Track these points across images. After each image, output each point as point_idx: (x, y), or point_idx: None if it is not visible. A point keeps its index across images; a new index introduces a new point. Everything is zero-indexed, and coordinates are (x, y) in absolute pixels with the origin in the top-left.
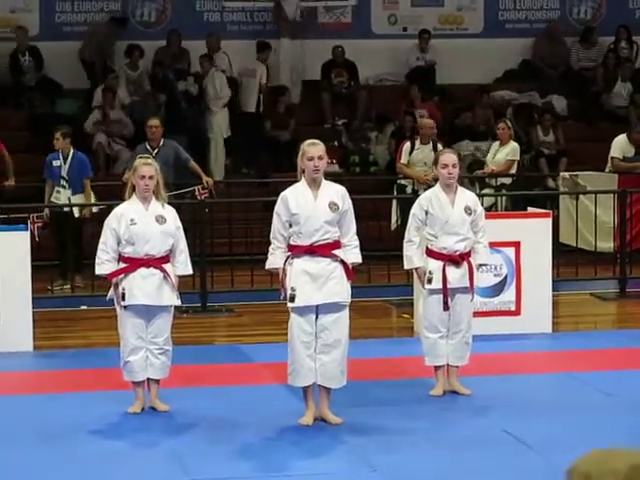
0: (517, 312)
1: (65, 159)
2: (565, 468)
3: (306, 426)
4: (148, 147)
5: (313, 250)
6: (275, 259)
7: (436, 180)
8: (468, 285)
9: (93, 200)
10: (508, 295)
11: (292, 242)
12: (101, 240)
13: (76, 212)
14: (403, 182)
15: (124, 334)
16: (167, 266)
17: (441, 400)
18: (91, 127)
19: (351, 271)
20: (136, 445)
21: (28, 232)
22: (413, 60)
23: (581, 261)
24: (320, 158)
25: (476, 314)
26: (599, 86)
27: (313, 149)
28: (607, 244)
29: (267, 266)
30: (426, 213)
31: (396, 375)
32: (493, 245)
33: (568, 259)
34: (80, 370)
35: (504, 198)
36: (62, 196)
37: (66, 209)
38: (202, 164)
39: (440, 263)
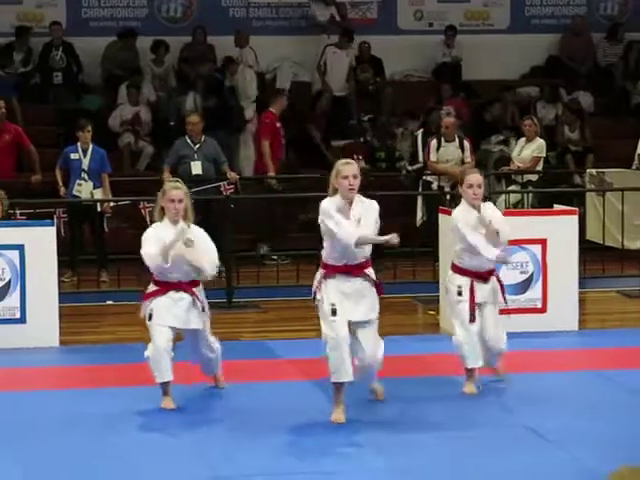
0: (543, 309)
1: (85, 153)
2: (590, 465)
3: (340, 424)
4: (189, 141)
5: (347, 270)
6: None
7: None
8: (498, 300)
9: (110, 194)
10: (534, 292)
11: (325, 261)
12: (145, 250)
13: (98, 206)
14: (429, 178)
15: (154, 339)
16: (197, 289)
17: (467, 397)
18: (115, 124)
19: (381, 288)
20: (161, 440)
21: (54, 227)
22: (439, 56)
23: (608, 258)
24: (355, 177)
25: (502, 311)
26: (622, 82)
27: (348, 168)
28: (634, 241)
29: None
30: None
31: (422, 372)
32: (519, 242)
33: (595, 256)
34: (106, 365)
35: (530, 195)
36: (84, 189)
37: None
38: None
39: (468, 279)
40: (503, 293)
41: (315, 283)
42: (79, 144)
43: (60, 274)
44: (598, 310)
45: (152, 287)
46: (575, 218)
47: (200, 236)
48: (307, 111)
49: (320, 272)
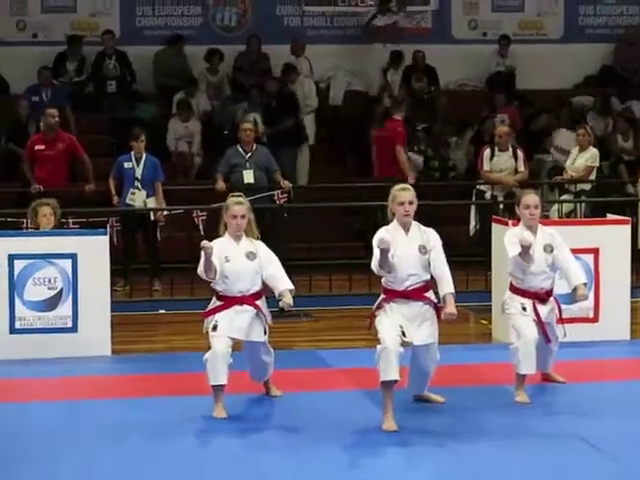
0: (595, 319)
1: (138, 161)
2: None
3: (393, 432)
4: (241, 150)
5: (407, 295)
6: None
7: (521, 184)
8: (555, 320)
9: (164, 203)
10: (587, 302)
11: (385, 286)
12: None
13: (151, 215)
14: (482, 188)
15: (213, 344)
16: (260, 302)
17: (520, 407)
18: (169, 133)
19: (441, 312)
20: (213, 449)
21: (107, 236)
22: (493, 65)
23: None
24: (410, 203)
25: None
26: None
27: (404, 194)
28: None
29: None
30: None
31: (474, 381)
32: (572, 252)
33: None
34: (158, 375)
35: (583, 204)
36: (137, 198)
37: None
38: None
39: (530, 300)
40: (560, 313)
41: (375, 307)
42: (132, 153)
43: (112, 283)
44: None
45: (215, 302)
46: (628, 228)
47: (262, 250)
48: (362, 120)
49: (381, 297)
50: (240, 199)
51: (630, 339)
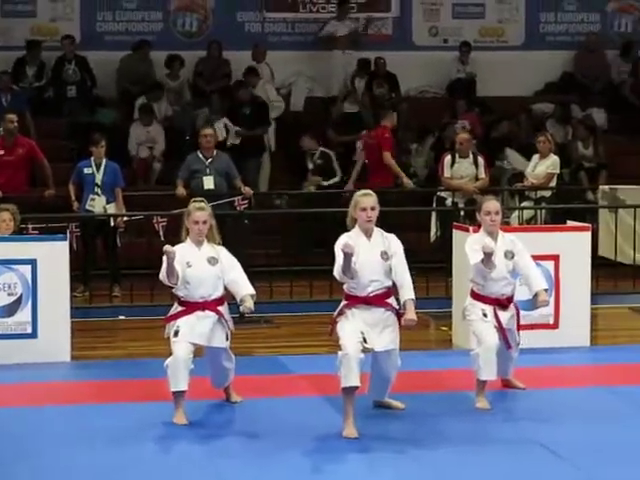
0: (555, 325)
1: (98, 167)
2: None
3: (354, 439)
4: (201, 156)
5: (369, 301)
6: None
7: (482, 191)
8: (515, 326)
9: (124, 209)
10: (546, 308)
11: (347, 292)
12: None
13: (111, 221)
14: (443, 194)
15: (175, 350)
16: (222, 308)
17: (480, 413)
18: (131, 138)
19: (401, 318)
20: (174, 456)
21: (67, 242)
22: (454, 72)
23: (620, 275)
24: (373, 209)
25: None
26: (632, 99)
27: (366, 200)
28: None
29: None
30: None
31: (434, 388)
32: (533, 258)
33: (607, 272)
34: (118, 381)
35: (543, 211)
36: (97, 204)
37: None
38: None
39: (490, 306)
40: (519, 319)
41: (336, 313)
42: (92, 159)
43: (72, 289)
44: (610, 326)
45: (177, 308)
46: (588, 234)
47: (224, 255)
48: (323, 126)
49: (342, 303)
50: (202, 205)
51: (590, 345)
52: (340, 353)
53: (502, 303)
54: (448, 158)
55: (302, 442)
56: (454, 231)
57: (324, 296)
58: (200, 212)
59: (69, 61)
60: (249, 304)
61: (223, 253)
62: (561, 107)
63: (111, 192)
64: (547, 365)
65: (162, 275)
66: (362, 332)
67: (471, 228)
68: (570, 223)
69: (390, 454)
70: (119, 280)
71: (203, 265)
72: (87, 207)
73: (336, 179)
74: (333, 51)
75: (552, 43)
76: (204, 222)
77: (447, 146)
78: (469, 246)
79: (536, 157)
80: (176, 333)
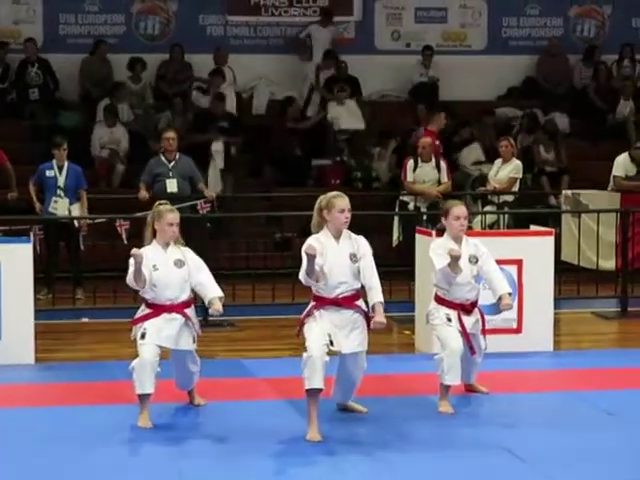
0: (519, 330)
1: (60, 170)
2: None
3: (317, 442)
4: (164, 159)
5: (337, 302)
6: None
7: (444, 195)
8: (480, 330)
9: (87, 211)
10: (510, 313)
11: (316, 293)
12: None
13: (75, 223)
14: (405, 199)
15: (141, 353)
16: (189, 310)
17: (443, 417)
18: (94, 140)
19: (370, 321)
20: (138, 459)
21: (31, 244)
22: (416, 76)
23: (583, 279)
24: (349, 210)
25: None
26: (596, 101)
27: (343, 201)
28: (609, 263)
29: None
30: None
31: (397, 392)
32: (496, 263)
33: (570, 277)
34: (81, 383)
35: (506, 216)
36: (59, 206)
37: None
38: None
39: (454, 311)
40: (484, 324)
41: (304, 314)
42: (54, 161)
43: (36, 291)
44: (573, 331)
45: (144, 310)
46: (551, 239)
47: (190, 257)
48: (285, 129)
49: (310, 304)
50: (171, 207)
51: (553, 350)
52: (305, 355)
53: (466, 308)
54: (410, 162)
55: (266, 445)
56: (417, 235)
57: (287, 299)
58: (173, 214)
59: (32, 64)
60: (217, 306)
61: (189, 255)
62: (528, 115)
63: (74, 194)
64: (510, 370)
65: (129, 279)
66: (329, 334)
67: (434, 232)
68: (533, 228)
69: (354, 457)
70: (82, 283)
71: (170, 268)
72: (50, 209)
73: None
74: (296, 55)
75: (514, 48)
76: (177, 224)
77: (409, 150)
78: (433, 251)
79: (498, 162)
80: (143, 335)
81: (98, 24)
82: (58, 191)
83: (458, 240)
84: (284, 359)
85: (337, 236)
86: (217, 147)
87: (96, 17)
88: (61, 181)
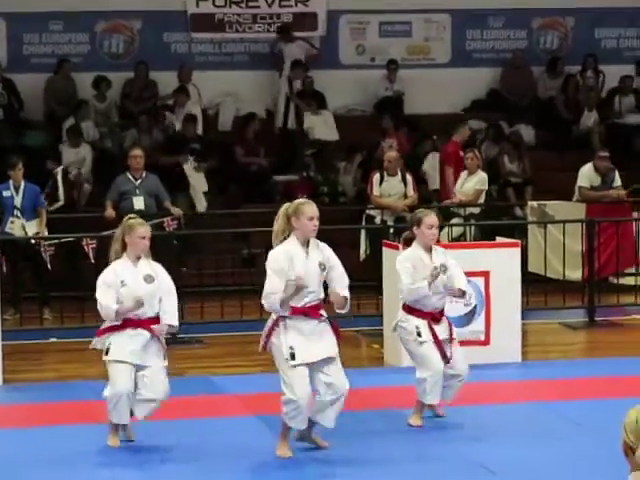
0: (486, 342)
1: (17, 190)
2: None
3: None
4: (130, 177)
5: (306, 312)
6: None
7: (411, 209)
8: (453, 335)
9: (45, 230)
10: (478, 325)
11: None
12: (100, 297)
13: (30, 235)
14: (372, 212)
15: (113, 381)
16: (156, 327)
17: (413, 431)
18: (57, 161)
19: (338, 329)
20: (107, 478)
21: None
22: (381, 90)
23: (550, 290)
24: (318, 218)
25: None
26: (564, 113)
27: (311, 209)
28: (575, 273)
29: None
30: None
31: (367, 406)
32: None
33: (537, 288)
34: (51, 403)
35: (473, 228)
36: (16, 227)
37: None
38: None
39: (424, 320)
40: (451, 330)
41: (267, 327)
42: (11, 182)
43: (2, 312)
44: (541, 342)
45: (108, 322)
46: (517, 250)
47: (160, 272)
48: (250, 145)
49: (272, 316)
50: (142, 220)
51: (521, 361)
52: (287, 397)
53: (435, 317)
54: (377, 176)
55: (235, 462)
56: (384, 249)
57: (254, 315)
58: (144, 227)
59: None
60: (163, 329)
61: (161, 273)
62: (493, 126)
63: (31, 213)
64: (479, 381)
65: (109, 310)
66: (291, 347)
67: (401, 246)
68: (499, 239)
69: (324, 472)
70: (49, 302)
71: (139, 283)
72: (7, 229)
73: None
74: (262, 70)
75: (478, 60)
76: (149, 237)
77: (375, 164)
78: (401, 265)
79: (464, 174)
80: (107, 351)
81: (62, 43)
82: (15, 211)
83: (428, 249)
84: (253, 375)
85: (305, 244)
86: (189, 169)
87: (60, 36)
88: (18, 201)
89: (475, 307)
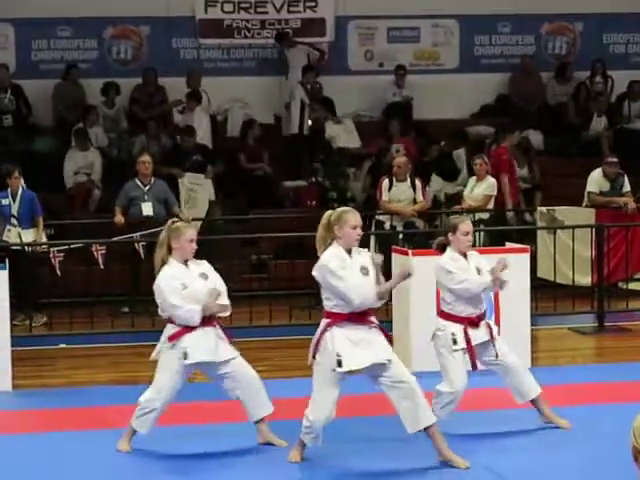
0: None
1: (14, 197)
2: None
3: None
4: (139, 183)
5: (354, 318)
6: None
7: (420, 214)
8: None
9: (44, 237)
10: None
11: (331, 310)
12: (174, 303)
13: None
14: (381, 218)
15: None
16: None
17: (420, 435)
18: (67, 166)
19: (388, 333)
20: None
21: (6, 270)
22: (389, 96)
23: (559, 295)
24: (361, 227)
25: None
26: (574, 120)
27: (355, 217)
28: (585, 278)
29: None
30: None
31: (377, 412)
32: None
33: (546, 294)
34: (61, 409)
35: (482, 233)
36: (12, 235)
37: (19, 247)
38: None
39: (461, 326)
40: (492, 332)
41: (317, 334)
42: (9, 190)
43: (12, 317)
44: (550, 347)
45: (173, 328)
46: (527, 256)
47: (208, 267)
48: (251, 149)
49: (324, 322)
50: (189, 223)
51: (530, 366)
52: (309, 420)
53: (473, 321)
54: (386, 182)
55: (246, 467)
56: (393, 254)
57: (264, 321)
58: (192, 230)
59: (4, 90)
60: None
61: (208, 268)
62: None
63: (28, 221)
64: (488, 387)
65: (194, 311)
66: (338, 354)
67: (410, 251)
68: (509, 245)
69: (334, 476)
70: (40, 309)
71: (198, 282)
72: (4, 238)
73: None
74: (270, 76)
75: (487, 66)
76: (195, 240)
77: (384, 170)
78: (450, 265)
79: (473, 180)
80: (185, 355)
81: (71, 49)
82: (12, 219)
83: (463, 255)
84: (263, 381)
85: (348, 252)
86: (188, 183)
87: (69, 42)
88: (15, 209)
89: (484, 312)
